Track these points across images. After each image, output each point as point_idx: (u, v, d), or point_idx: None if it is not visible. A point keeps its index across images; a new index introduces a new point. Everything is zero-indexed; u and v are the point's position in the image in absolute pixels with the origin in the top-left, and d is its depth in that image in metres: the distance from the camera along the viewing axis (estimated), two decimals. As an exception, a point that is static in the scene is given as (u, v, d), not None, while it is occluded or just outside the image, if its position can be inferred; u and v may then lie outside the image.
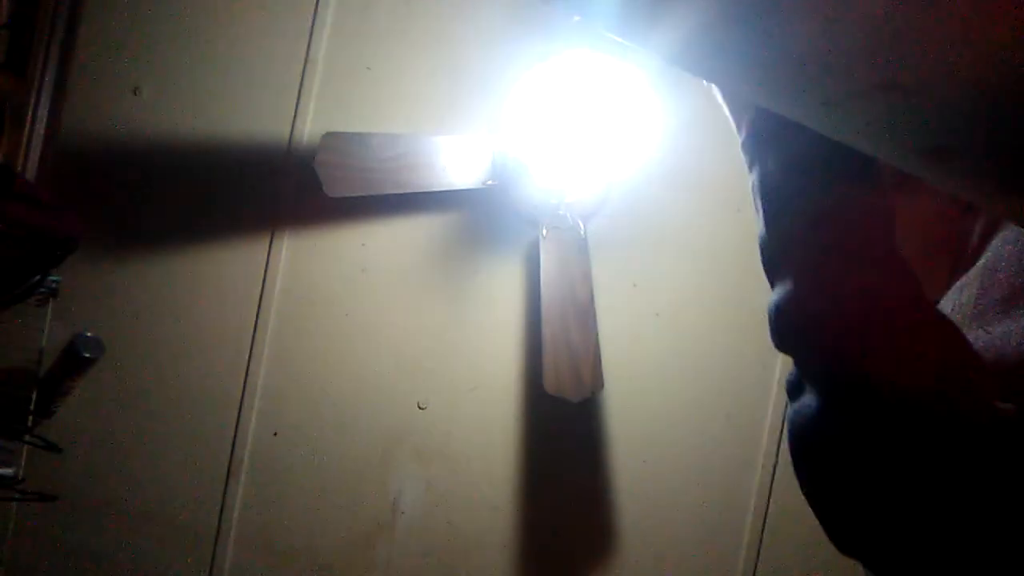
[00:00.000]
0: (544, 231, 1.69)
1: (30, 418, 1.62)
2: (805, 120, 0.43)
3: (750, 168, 0.49)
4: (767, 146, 0.47)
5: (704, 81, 0.45)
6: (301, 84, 1.75)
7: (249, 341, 1.76)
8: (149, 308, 1.74)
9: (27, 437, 1.62)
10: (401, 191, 1.64)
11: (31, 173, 1.68)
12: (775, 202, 0.47)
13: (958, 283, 0.51)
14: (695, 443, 1.83)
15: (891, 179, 0.45)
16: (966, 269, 0.51)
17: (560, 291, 1.66)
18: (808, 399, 0.44)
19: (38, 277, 1.51)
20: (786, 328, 0.45)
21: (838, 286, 0.44)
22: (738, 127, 0.49)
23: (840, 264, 0.44)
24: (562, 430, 1.82)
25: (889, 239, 0.44)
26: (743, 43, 0.37)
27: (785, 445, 1.79)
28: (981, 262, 0.50)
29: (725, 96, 0.49)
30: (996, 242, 0.49)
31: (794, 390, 0.46)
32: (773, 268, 0.47)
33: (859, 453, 0.41)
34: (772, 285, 0.47)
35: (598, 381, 1.64)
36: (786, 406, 0.47)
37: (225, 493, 1.76)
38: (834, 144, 0.42)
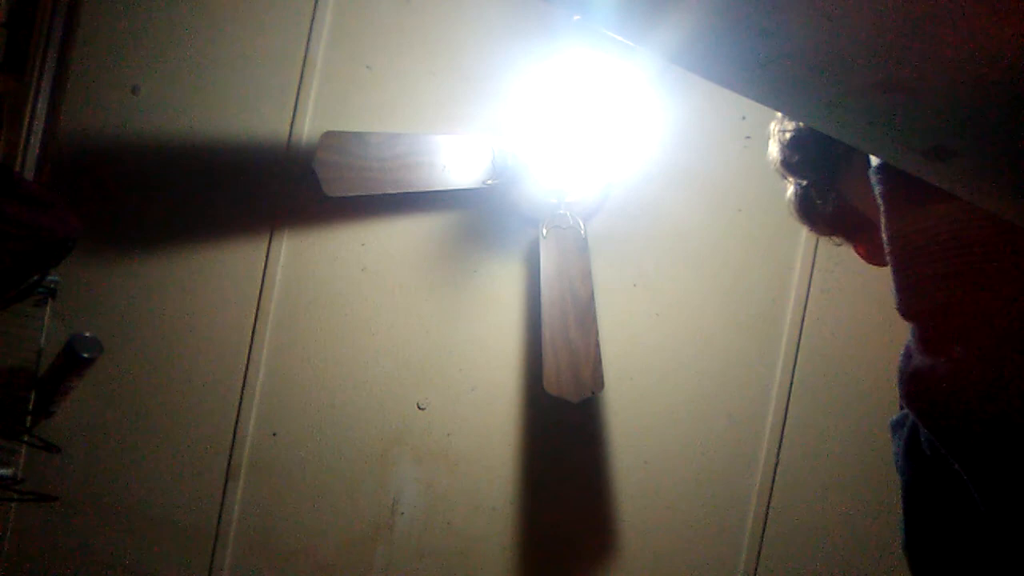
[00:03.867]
0: (544, 230, 1.69)
1: (28, 418, 1.62)
2: (807, 120, 0.43)
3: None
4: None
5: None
6: (300, 84, 1.75)
7: (248, 341, 1.76)
8: (148, 308, 1.73)
9: (26, 437, 1.61)
10: (401, 190, 1.63)
11: (29, 172, 1.67)
12: None
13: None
14: (696, 443, 1.82)
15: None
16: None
17: (560, 291, 1.65)
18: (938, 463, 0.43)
19: (36, 277, 1.51)
20: (916, 396, 0.47)
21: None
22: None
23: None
24: (562, 430, 1.82)
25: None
26: (743, 42, 0.37)
27: (786, 445, 1.79)
28: None
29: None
30: None
31: (899, 427, 0.46)
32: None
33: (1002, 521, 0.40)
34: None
35: (598, 381, 1.63)
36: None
37: (225, 493, 1.76)
38: None
